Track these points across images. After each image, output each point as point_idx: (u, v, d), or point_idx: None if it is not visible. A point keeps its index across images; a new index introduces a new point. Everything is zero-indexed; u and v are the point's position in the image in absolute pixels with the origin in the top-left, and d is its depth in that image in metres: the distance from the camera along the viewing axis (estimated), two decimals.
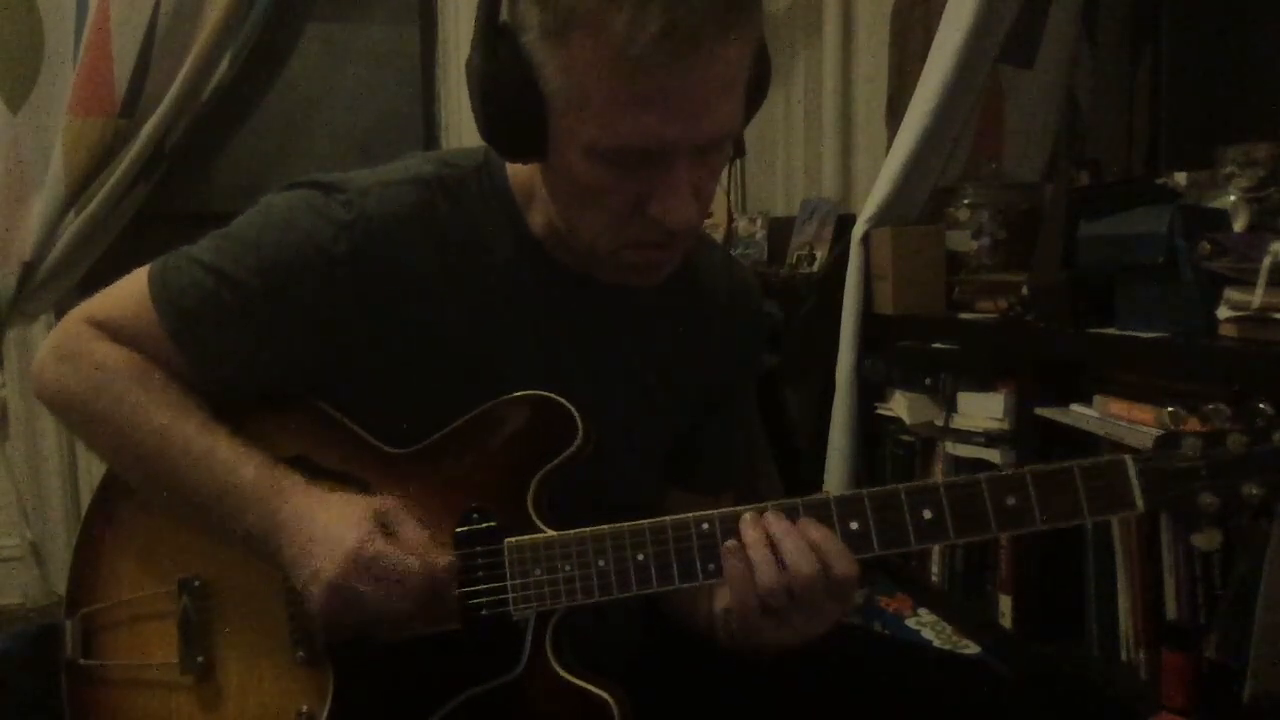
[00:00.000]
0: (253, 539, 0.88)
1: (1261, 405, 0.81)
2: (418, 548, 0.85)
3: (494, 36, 0.79)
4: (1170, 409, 0.83)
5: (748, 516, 0.84)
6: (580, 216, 0.84)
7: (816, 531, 0.82)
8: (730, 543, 0.83)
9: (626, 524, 0.86)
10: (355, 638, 0.87)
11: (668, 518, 0.86)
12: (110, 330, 0.93)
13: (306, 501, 0.87)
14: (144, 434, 0.90)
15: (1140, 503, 0.80)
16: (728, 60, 0.75)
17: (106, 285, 0.96)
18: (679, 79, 0.73)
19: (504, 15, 0.79)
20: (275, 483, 0.88)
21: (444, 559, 0.87)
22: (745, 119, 0.83)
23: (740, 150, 0.87)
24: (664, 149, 0.77)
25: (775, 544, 0.82)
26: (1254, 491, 0.79)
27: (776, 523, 0.83)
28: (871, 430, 2.08)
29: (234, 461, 0.88)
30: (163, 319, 0.91)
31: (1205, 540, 0.81)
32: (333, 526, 0.84)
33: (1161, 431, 0.83)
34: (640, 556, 0.85)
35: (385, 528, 0.86)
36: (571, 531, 0.87)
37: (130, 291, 0.93)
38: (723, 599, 0.88)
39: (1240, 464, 0.80)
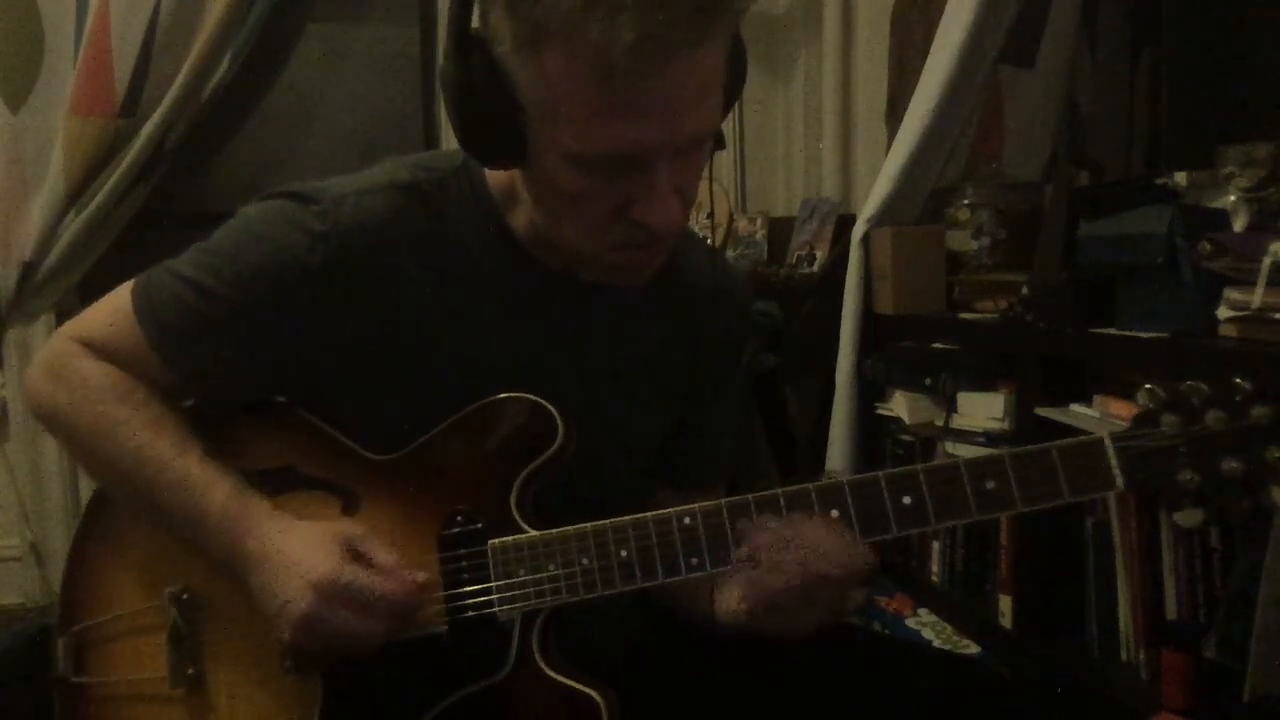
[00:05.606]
0: (222, 564, 0.88)
1: (1239, 380, 0.80)
2: (389, 570, 0.85)
3: (466, 46, 0.78)
4: (1148, 386, 0.82)
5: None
6: (563, 222, 0.84)
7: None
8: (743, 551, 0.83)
9: (609, 521, 0.86)
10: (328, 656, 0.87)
11: (649, 514, 0.85)
12: (97, 347, 0.93)
13: (271, 529, 0.87)
14: (123, 453, 0.90)
15: (1120, 481, 0.80)
16: (703, 63, 0.74)
17: (106, 285, 0.96)
18: (655, 86, 0.72)
19: (475, 23, 0.78)
20: (241, 510, 0.88)
21: (419, 575, 0.86)
22: (724, 113, 0.82)
23: (720, 144, 0.86)
24: (643, 154, 0.76)
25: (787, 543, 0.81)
26: (1234, 466, 0.79)
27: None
28: (871, 430, 2.07)
29: (203, 486, 0.88)
30: (146, 333, 0.91)
31: (1187, 519, 0.81)
32: (300, 556, 0.84)
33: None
34: (624, 553, 0.85)
35: (354, 553, 0.85)
36: (554, 531, 0.87)
37: (115, 307, 0.93)
38: (727, 604, 0.86)
39: (1220, 440, 0.80)
